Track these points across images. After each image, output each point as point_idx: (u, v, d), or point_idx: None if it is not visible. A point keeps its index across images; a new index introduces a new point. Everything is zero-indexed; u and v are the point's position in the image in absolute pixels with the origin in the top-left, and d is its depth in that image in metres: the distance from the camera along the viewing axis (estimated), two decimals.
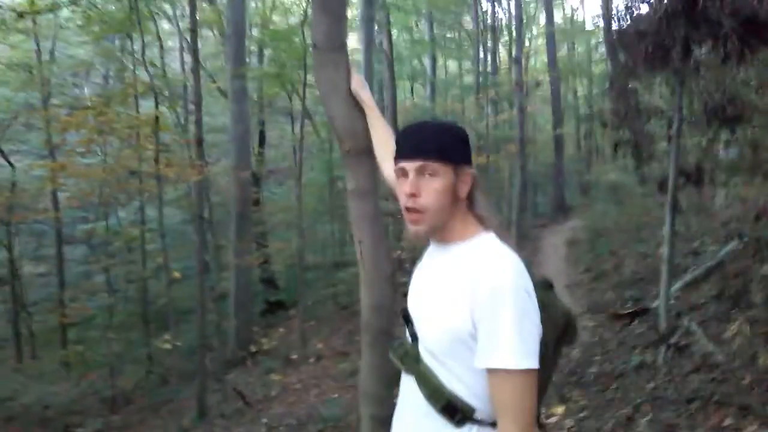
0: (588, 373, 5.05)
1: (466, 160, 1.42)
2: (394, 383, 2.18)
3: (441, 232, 1.42)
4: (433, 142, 1.38)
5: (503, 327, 1.24)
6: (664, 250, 5.49)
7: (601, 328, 6.37)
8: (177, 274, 10.21)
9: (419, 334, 1.43)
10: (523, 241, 12.80)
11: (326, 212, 14.72)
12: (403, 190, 1.39)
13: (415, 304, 1.48)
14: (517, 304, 1.25)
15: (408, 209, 1.39)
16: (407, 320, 1.48)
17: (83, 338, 11.82)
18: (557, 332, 1.40)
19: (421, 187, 1.37)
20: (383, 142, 1.98)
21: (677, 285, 6.35)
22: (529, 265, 1.34)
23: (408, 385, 1.45)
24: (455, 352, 1.32)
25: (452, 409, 1.34)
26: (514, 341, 1.23)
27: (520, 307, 1.25)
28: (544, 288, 1.40)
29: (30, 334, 12.59)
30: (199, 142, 8.28)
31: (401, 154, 1.41)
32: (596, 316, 6.83)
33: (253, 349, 10.31)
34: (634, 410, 4.05)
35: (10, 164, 12.61)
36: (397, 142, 1.45)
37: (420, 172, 1.37)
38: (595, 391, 4.63)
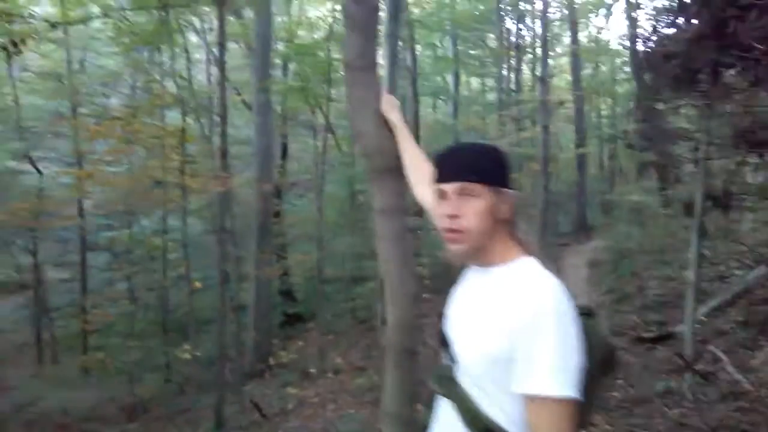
0: (611, 397, 4.97)
1: (507, 182, 1.41)
2: (417, 403, 2.17)
3: (481, 255, 1.41)
4: (473, 163, 1.38)
5: (544, 352, 1.22)
6: (690, 274, 5.40)
7: (625, 351, 6.28)
8: (198, 284, 10.28)
9: (458, 358, 1.41)
10: (544, 261, 12.66)
11: (346, 226, 14.74)
12: (443, 211, 1.39)
13: (454, 326, 1.47)
14: (560, 330, 1.23)
15: (448, 230, 1.38)
16: (445, 343, 1.47)
17: (104, 345, 11.93)
18: (598, 362, 1.37)
19: (462, 208, 1.36)
20: (415, 164, 1.98)
21: (703, 310, 6.24)
22: (572, 293, 1.32)
23: (445, 409, 1.44)
24: (494, 377, 1.31)
25: None
26: (555, 367, 1.21)
27: (562, 334, 1.23)
28: (585, 316, 1.37)
29: (51, 340, 12.74)
30: (224, 153, 8.36)
31: (441, 176, 1.41)
32: (619, 339, 6.73)
33: (271, 361, 10.32)
34: None
35: (39, 171, 12.85)
36: (437, 164, 1.44)
37: (460, 193, 1.36)
38: (619, 416, 4.55)
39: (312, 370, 9.34)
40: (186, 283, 10.45)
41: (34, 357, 12.45)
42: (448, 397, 1.42)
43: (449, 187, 1.38)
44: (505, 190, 1.40)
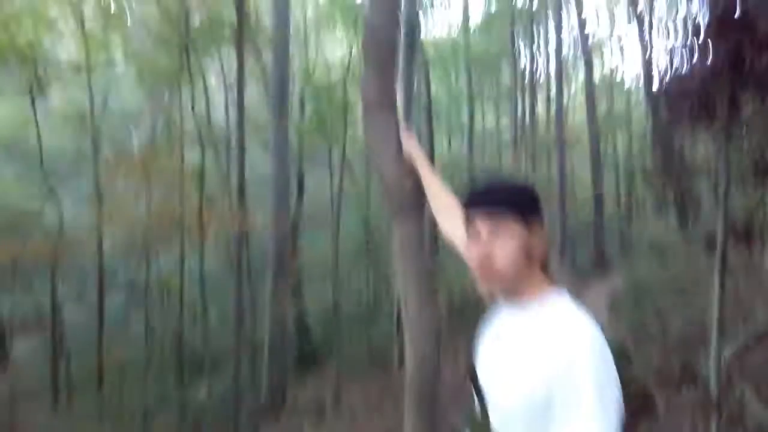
0: None
1: (539, 219, 1.37)
2: None
3: (514, 292, 1.36)
4: (506, 201, 1.34)
5: (584, 397, 1.17)
6: (714, 312, 5.29)
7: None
8: (215, 322, 10.28)
9: (491, 402, 1.36)
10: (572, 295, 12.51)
11: (362, 262, 14.73)
12: (475, 250, 1.35)
13: (486, 369, 1.42)
14: (598, 373, 1.18)
15: (481, 270, 1.34)
16: (477, 387, 1.41)
17: (119, 383, 11.90)
18: (633, 405, 1.32)
19: (495, 247, 1.32)
20: (440, 197, 1.96)
21: (728, 349, 6.08)
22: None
23: None
24: (529, 422, 1.25)
25: None
26: (595, 412, 1.16)
27: (601, 377, 1.18)
28: (619, 357, 1.32)
29: (67, 377, 12.73)
30: (242, 191, 8.45)
31: (473, 214, 1.37)
32: (643, 380, 6.57)
33: (286, 399, 10.20)
34: None
35: (60, 210, 13.05)
36: (470, 196, 1.41)
37: (492, 231, 1.32)
38: None
39: (327, 410, 9.21)
40: (202, 321, 10.45)
41: (50, 397, 12.43)
42: None
43: (482, 224, 1.34)
44: (539, 225, 1.36)
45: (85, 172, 14.85)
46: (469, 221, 1.37)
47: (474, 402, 1.43)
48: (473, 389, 1.43)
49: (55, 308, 12.69)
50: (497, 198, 1.35)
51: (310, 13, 18.47)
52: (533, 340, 1.27)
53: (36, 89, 7.12)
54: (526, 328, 1.32)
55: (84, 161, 13.79)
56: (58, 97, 14.41)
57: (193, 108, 10.47)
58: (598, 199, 18.70)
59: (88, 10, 10.98)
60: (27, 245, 11.17)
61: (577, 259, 19.70)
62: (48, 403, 12.36)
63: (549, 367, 1.21)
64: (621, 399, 1.19)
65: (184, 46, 9.23)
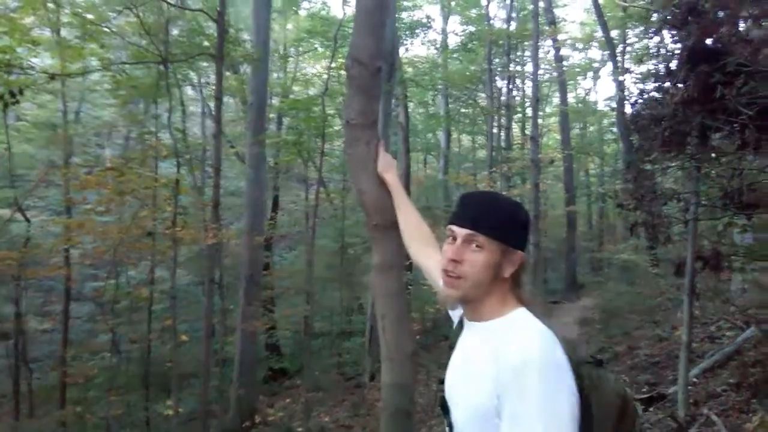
0: None
1: (520, 244, 1.40)
2: None
3: (476, 309, 1.40)
4: (490, 217, 1.37)
5: (528, 407, 1.17)
6: (683, 335, 5.38)
7: None
8: (184, 337, 10.09)
9: (453, 419, 1.38)
10: (539, 315, 12.62)
11: (335, 279, 14.67)
12: (446, 253, 1.39)
13: (449, 385, 1.44)
14: (544, 381, 1.18)
15: (446, 272, 1.38)
16: (445, 408, 1.43)
17: (83, 398, 11.58)
18: (612, 415, 1.32)
19: (465, 255, 1.36)
20: (410, 222, 1.98)
21: (695, 371, 6.19)
22: (575, 342, 1.29)
23: None
24: None
25: None
26: (540, 422, 1.16)
27: (548, 386, 1.18)
28: (593, 366, 1.35)
29: (29, 391, 12.36)
30: (216, 205, 8.37)
31: (455, 219, 1.41)
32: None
33: (256, 418, 10.04)
34: None
35: (27, 220, 12.74)
36: (457, 205, 1.45)
37: (467, 240, 1.36)
38: None
39: (299, 429, 9.09)
40: (171, 336, 10.25)
41: (12, 410, 12.04)
42: None
43: (459, 231, 1.38)
44: (514, 250, 1.38)
45: (55, 180, 14.60)
46: (450, 224, 1.42)
47: (444, 419, 1.45)
48: (440, 406, 1.45)
49: (19, 318, 12.34)
50: (482, 211, 1.39)
51: (290, 27, 18.57)
52: (485, 354, 1.30)
53: (7, 96, 6.98)
54: (480, 343, 1.35)
55: (54, 171, 13.53)
56: (29, 104, 14.18)
57: (169, 120, 10.36)
58: (571, 220, 18.96)
59: (65, 18, 10.85)
60: None
61: (549, 279, 19.90)
62: (9, 414, 12.00)
63: (497, 379, 1.23)
64: (574, 410, 1.19)
65: (162, 59, 9.15)
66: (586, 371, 1.28)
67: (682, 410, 5.15)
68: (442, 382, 1.49)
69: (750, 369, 5.81)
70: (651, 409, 6.00)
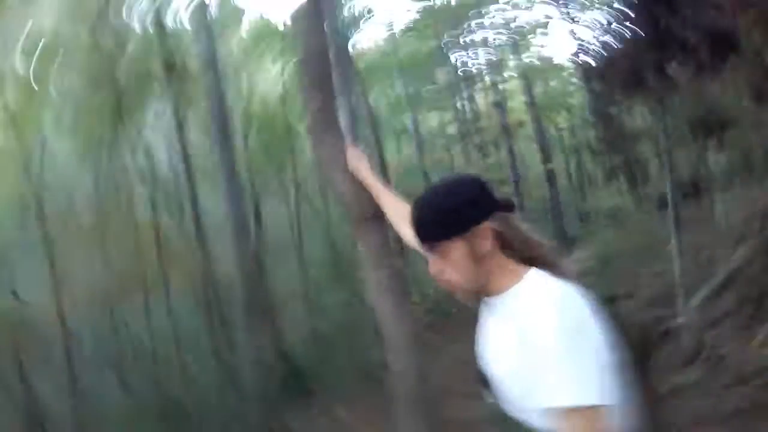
0: None
1: (475, 220, 1.37)
2: None
3: (485, 289, 1.41)
4: (428, 223, 1.39)
5: (552, 360, 1.21)
6: (675, 267, 5.47)
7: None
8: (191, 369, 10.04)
9: (495, 392, 1.42)
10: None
11: (331, 280, 14.67)
12: (430, 270, 1.42)
13: (483, 362, 1.48)
14: (564, 338, 1.22)
15: (441, 284, 1.41)
16: (484, 382, 1.46)
17: None
18: (633, 349, 1.37)
19: (439, 265, 1.38)
20: (393, 207, 2.00)
21: (697, 299, 6.27)
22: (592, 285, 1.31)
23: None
24: (526, 401, 1.31)
25: None
26: (565, 377, 1.20)
27: (568, 341, 1.22)
28: (609, 303, 1.39)
29: None
30: (198, 232, 8.33)
31: (416, 234, 1.44)
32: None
33: None
34: None
35: (16, 296, 12.47)
36: (412, 227, 1.46)
37: (436, 253, 1.39)
38: None
39: None
40: (179, 369, 10.18)
41: None
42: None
43: (425, 247, 1.42)
44: (475, 228, 1.36)
45: (30, 229, 14.28)
46: (419, 244, 1.44)
47: (486, 397, 1.48)
48: (482, 386, 1.47)
49: (23, 376, 12.16)
50: (423, 225, 1.41)
51: (235, 46, 18.31)
52: (508, 328, 1.32)
53: None
54: (502, 317, 1.37)
55: (28, 221, 13.23)
56: None
57: (133, 154, 10.27)
58: (551, 176, 19.07)
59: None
60: None
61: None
62: None
63: (520, 343, 1.25)
64: (603, 355, 1.24)
65: (116, 91, 9.06)
66: (606, 310, 1.31)
67: (691, 339, 5.24)
68: (474, 360, 1.52)
69: (749, 287, 5.89)
70: (660, 345, 6.09)
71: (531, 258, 1.41)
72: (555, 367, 1.21)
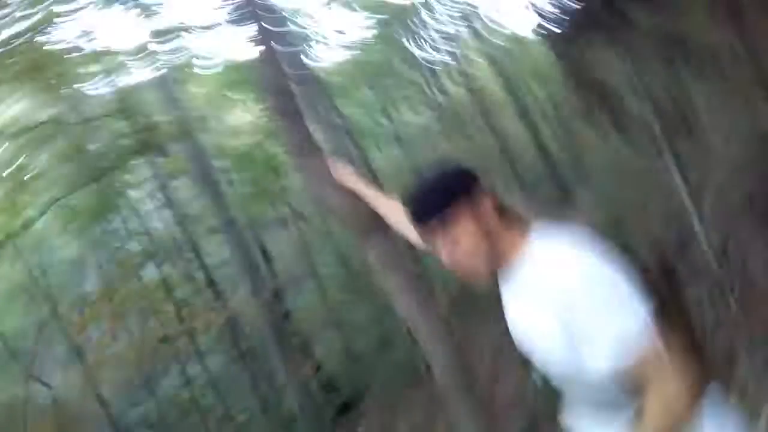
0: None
1: (475, 188, 1.40)
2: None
3: (498, 264, 1.41)
4: (430, 203, 1.38)
5: (598, 311, 1.23)
6: (684, 200, 5.42)
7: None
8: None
9: (540, 361, 1.42)
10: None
11: (354, 294, 14.63)
12: (443, 259, 1.39)
13: (518, 337, 1.47)
14: (594, 281, 1.25)
15: (457, 273, 1.40)
16: (525, 354, 1.46)
17: None
18: (659, 267, 1.39)
19: (457, 249, 1.36)
20: (388, 209, 2.00)
21: (706, 221, 6.21)
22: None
23: (572, 409, 1.44)
24: (576, 362, 1.30)
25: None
26: (613, 308, 1.23)
27: (599, 282, 1.25)
28: (623, 246, 1.40)
29: None
30: (211, 284, 8.34)
31: (420, 228, 1.41)
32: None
33: None
34: None
35: (46, 385, 12.47)
36: (411, 217, 1.44)
37: (446, 236, 1.37)
38: None
39: None
40: (225, 421, 10.14)
41: None
42: (564, 397, 1.40)
43: (433, 234, 1.38)
44: (471, 199, 1.38)
45: (53, 334, 14.30)
46: (423, 236, 1.41)
47: (533, 372, 1.49)
48: (525, 361, 1.48)
49: None
50: (430, 210, 1.38)
51: (202, 98, 18.26)
52: (531, 290, 1.33)
53: None
54: (523, 283, 1.37)
55: (47, 327, 13.23)
56: None
57: (127, 227, 10.29)
58: (536, 139, 19.01)
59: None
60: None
61: (538, 202, 19.96)
62: None
63: (552, 303, 1.26)
64: (635, 290, 1.26)
65: (95, 172, 9.10)
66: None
67: (712, 259, 5.19)
68: (508, 333, 1.52)
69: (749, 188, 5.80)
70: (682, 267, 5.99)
71: (525, 223, 1.43)
72: (600, 306, 1.23)
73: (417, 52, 19.96)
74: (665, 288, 1.39)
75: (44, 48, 8.42)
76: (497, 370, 7.20)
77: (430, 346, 2.17)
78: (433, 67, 19.66)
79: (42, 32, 8.16)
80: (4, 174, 10.00)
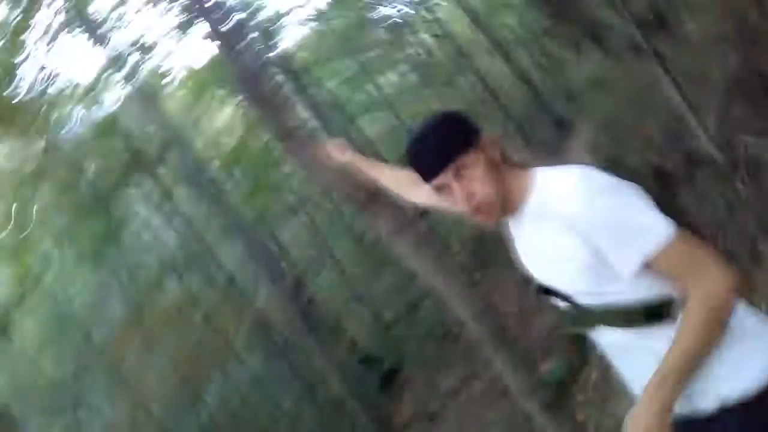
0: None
1: (478, 131, 1.40)
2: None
3: (507, 201, 1.40)
4: (444, 142, 1.36)
5: (621, 226, 1.23)
6: (684, 111, 5.33)
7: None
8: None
9: (568, 294, 1.39)
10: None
11: (372, 266, 14.69)
12: (455, 199, 1.38)
13: (540, 275, 1.45)
14: (609, 203, 1.25)
15: (473, 212, 1.38)
16: (546, 291, 1.45)
17: None
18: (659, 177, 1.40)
19: (469, 185, 1.36)
20: (388, 177, 1.99)
21: (711, 119, 6.13)
22: None
23: (603, 340, 1.42)
24: (600, 287, 1.30)
25: (653, 312, 1.29)
26: (637, 225, 1.23)
27: (614, 203, 1.25)
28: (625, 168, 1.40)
29: None
30: (232, 285, 8.39)
31: (429, 173, 1.39)
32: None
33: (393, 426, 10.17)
34: None
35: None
36: (414, 166, 1.43)
37: (458, 175, 1.36)
38: None
39: (434, 410, 9.19)
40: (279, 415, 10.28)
41: None
42: (595, 326, 1.39)
43: (444, 177, 1.37)
44: (482, 139, 1.39)
45: (92, 363, 14.44)
46: (438, 190, 1.40)
47: (557, 307, 1.47)
48: (545, 294, 1.46)
49: None
50: (441, 162, 1.37)
51: (181, 104, 18.13)
52: (545, 224, 1.32)
53: None
54: (537, 218, 1.36)
55: (84, 357, 13.35)
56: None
57: (138, 238, 10.34)
58: (525, 78, 18.79)
59: None
60: None
61: (536, 139, 19.83)
62: None
63: (569, 232, 1.25)
64: (644, 196, 1.26)
65: (97, 200, 9.13)
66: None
67: (717, 151, 5.12)
68: (525, 275, 1.51)
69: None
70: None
71: (527, 166, 1.43)
72: (622, 207, 1.24)
73: (381, 9, 19.72)
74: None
75: (12, 102, 8.30)
76: (527, 314, 7.25)
77: (454, 300, 2.17)
78: (398, 20, 19.38)
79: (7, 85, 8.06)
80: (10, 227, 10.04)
